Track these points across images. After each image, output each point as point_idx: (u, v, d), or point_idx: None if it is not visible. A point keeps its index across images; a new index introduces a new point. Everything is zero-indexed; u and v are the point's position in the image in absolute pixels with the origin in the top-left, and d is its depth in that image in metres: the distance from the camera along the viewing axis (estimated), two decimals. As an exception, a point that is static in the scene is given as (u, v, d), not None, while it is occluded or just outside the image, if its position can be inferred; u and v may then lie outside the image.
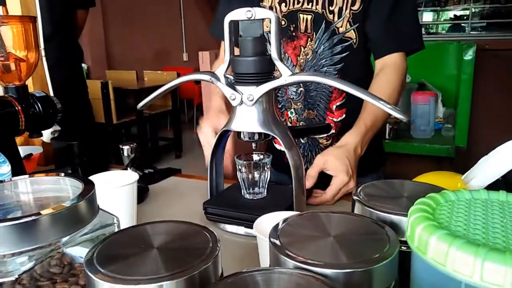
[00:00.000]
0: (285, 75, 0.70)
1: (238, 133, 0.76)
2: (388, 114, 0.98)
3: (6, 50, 0.87)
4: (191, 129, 5.58)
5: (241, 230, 0.76)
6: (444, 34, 3.68)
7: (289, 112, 1.11)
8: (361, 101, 0.71)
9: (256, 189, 0.81)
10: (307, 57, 1.05)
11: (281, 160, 1.04)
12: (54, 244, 0.40)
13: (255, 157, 0.82)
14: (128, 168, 0.97)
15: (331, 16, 1.01)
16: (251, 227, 0.62)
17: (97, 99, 3.46)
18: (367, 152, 0.94)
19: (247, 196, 0.81)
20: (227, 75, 0.74)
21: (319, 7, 1.01)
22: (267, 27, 0.97)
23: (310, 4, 1.02)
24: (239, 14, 0.69)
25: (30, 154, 1.07)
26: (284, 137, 0.73)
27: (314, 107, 1.08)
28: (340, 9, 1.00)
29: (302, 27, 1.03)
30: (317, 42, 1.03)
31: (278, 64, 0.70)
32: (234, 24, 0.72)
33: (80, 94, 1.92)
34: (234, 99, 0.72)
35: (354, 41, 1.02)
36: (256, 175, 0.79)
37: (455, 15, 3.71)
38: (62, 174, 0.50)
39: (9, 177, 0.73)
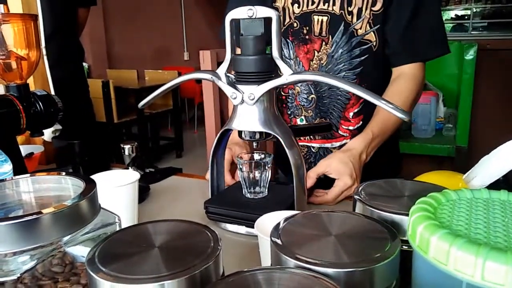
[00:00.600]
0: (286, 74, 0.70)
1: (239, 132, 0.76)
2: (400, 122, 0.96)
3: (7, 49, 0.87)
4: (192, 129, 5.59)
5: (242, 229, 0.76)
6: (445, 33, 3.67)
7: (298, 120, 1.08)
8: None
9: (257, 189, 0.81)
10: (321, 61, 1.00)
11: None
12: (56, 243, 0.40)
13: (256, 156, 0.82)
14: (129, 168, 0.97)
15: (349, 17, 0.96)
16: (252, 227, 0.62)
17: (98, 98, 3.46)
18: (384, 157, 0.93)
19: (248, 195, 0.81)
20: (228, 74, 0.74)
21: (336, 8, 0.96)
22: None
23: (327, 4, 0.97)
24: (240, 12, 0.69)
25: (32, 153, 1.07)
26: (285, 136, 0.73)
27: (327, 115, 1.04)
28: (360, 10, 0.95)
29: (317, 29, 0.99)
30: (334, 45, 0.98)
31: (279, 63, 0.70)
32: (235, 23, 0.72)
33: (81, 93, 1.92)
34: (235, 98, 0.72)
35: (374, 44, 0.97)
36: (257, 174, 0.79)
37: (456, 15, 3.70)
38: (64, 173, 0.50)
39: (11, 176, 0.73)
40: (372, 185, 0.56)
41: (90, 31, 4.17)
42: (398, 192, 0.53)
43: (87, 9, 1.95)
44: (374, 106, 0.75)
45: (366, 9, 0.95)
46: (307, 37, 1.01)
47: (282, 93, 1.12)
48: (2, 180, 0.49)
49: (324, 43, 0.99)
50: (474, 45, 2.44)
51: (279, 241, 0.40)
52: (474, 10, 3.53)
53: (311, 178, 0.84)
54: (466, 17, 3.61)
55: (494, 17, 3.49)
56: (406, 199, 0.51)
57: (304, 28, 1.01)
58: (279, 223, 0.44)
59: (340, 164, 0.85)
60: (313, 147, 1.08)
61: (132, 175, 0.74)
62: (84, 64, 2.62)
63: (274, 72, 0.72)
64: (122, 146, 0.96)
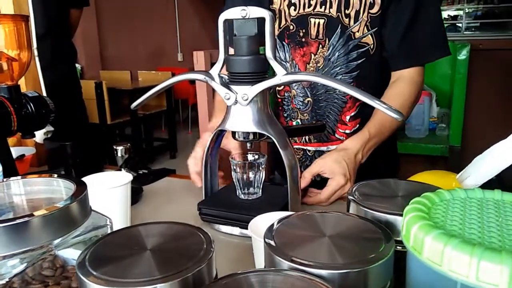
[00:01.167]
0: (280, 75, 0.70)
1: (233, 133, 0.76)
2: (398, 123, 0.95)
3: (-2, 50, 0.86)
4: (186, 129, 5.57)
5: (236, 230, 0.75)
6: (438, 34, 3.69)
7: (294, 123, 1.07)
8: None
9: (251, 189, 0.80)
10: (318, 65, 0.99)
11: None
12: (46, 247, 0.40)
13: (250, 157, 0.82)
14: (122, 169, 0.96)
15: (347, 20, 0.95)
16: (246, 228, 0.62)
17: (91, 100, 3.44)
18: (381, 158, 0.92)
19: (242, 196, 0.81)
20: (221, 75, 0.74)
21: (333, 10, 0.95)
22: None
23: (323, 7, 0.95)
24: (233, 13, 0.69)
25: (23, 155, 1.06)
26: (279, 137, 0.73)
27: (324, 118, 1.03)
28: (357, 13, 0.94)
29: (313, 32, 0.98)
30: (330, 48, 0.97)
31: (273, 63, 0.70)
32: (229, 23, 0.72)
33: (73, 95, 1.90)
34: (228, 99, 0.72)
35: (371, 47, 0.96)
36: (251, 175, 0.79)
37: (449, 15, 3.73)
38: (55, 175, 0.49)
39: (1, 178, 0.72)
40: (366, 185, 0.56)
41: (83, 32, 4.15)
42: (392, 192, 0.53)
43: (79, 9, 1.94)
44: (371, 109, 0.75)
45: (363, 11, 0.94)
46: (303, 39, 1.00)
47: (278, 96, 1.11)
48: (-8, 183, 0.49)
49: (320, 46, 0.99)
50: (466, 45, 2.45)
51: (272, 243, 0.40)
52: (467, 11, 3.55)
53: (305, 178, 0.84)
54: (458, 17, 3.63)
55: (487, 17, 3.51)
56: (400, 199, 0.51)
57: (301, 31, 1.00)
58: (273, 225, 0.44)
59: (334, 164, 0.85)
60: (309, 150, 1.08)
61: (125, 177, 0.73)
62: (77, 65, 2.60)
63: (267, 72, 0.72)
64: (114, 147, 0.96)
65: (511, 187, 0.45)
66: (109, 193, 0.69)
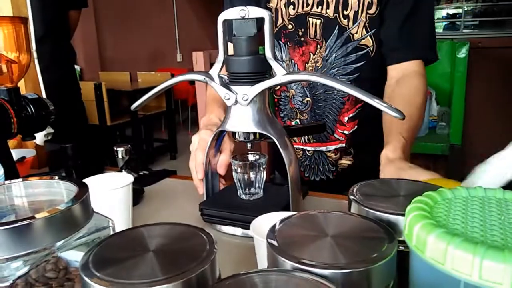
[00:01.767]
0: (279, 74, 0.70)
1: (233, 133, 0.76)
2: (421, 121, 0.90)
3: (-3, 52, 0.86)
4: (186, 130, 5.57)
5: (238, 231, 0.75)
6: (437, 32, 3.68)
7: (293, 123, 1.06)
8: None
9: (252, 190, 0.80)
10: (317, 64, 0.98)
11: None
12: (49, 249, 0.40)
13: (251, 157, 0.82)
14: (123, 170, 0.96)
15: (345, 21, 0.93)
16: (248, 228, 0.61)
17: (91, 101, 3.44)
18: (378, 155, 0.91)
19: (243, 196, 0.81)
20: (221, 75, 0.74)
21: (330, 11, 0.93)
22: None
23: (320, 7, 0.93)
24: (232, 13, 0.69)
25: (23, 157, 1.06)
26: (279, 137, 0.73)
27: (323, 118, 1.02)
28: (356, 14, 0.91)
29: (312, 32, 0.96)
30: (327, 49, 0.96)
31: (272, 63, 0.70)
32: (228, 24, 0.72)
33: (73, 96, 1.91)
34: (228, 99, 0.72)
35: (371, 49, 0.94)
36: (252, 175, 0.79)
37: (448, 14, 3.73)
38: (56, 177, 0.49)
39: (2, 180, 0.72)
40: (367, 185, 0.56)
41: (82, 34, 4.14)
42: (393, 191, 0.53)
43: (78, 11, 1.94)
44: (370, 111, 0.73)
45: (362, 12, 0.92)
46: (302, 39, 0.99)
47: (275, 96, 1.11)
48: (-6, 185, 0.49)
49: (319, 46, 0.98)
50: (466, 43, 2.45)
51: (275, 243, 0.40)
52: (466, 9, 3.55)
53: None
54: (457, 16, 3.63)
55: (486, 16, 3.52)
56: (401, 199, 0.51)
57: (300, 30, 0.99)
58: (275, 225, 0.44)
59: (400, 172, 0.75)
60: (308, 151, 1.07)
61: (126, 178, 0.73)
62: (76, 66, 2.60)
63: (267, 72, 0.72)
64: (115, 148, 0.96)
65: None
66: (111, 194, 0.69)
